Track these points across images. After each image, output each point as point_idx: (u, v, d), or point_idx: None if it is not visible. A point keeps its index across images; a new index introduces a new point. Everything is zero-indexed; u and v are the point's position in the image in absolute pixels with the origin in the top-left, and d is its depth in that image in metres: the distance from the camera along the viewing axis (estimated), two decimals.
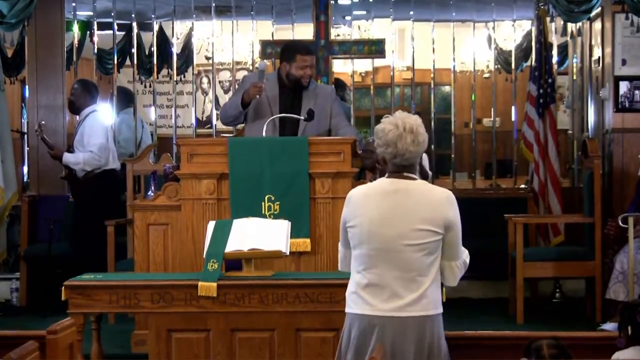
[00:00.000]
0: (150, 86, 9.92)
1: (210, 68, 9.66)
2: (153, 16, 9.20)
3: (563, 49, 9.14)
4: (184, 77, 10.15)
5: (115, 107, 8.94)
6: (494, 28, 9.26)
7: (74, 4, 8.69)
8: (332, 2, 7.67)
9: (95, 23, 8.82)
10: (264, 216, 5.31)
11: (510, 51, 9.34)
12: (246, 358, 4.63)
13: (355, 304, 3.54)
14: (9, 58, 8.63)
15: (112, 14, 8.85)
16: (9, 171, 7.64)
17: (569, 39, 8.87)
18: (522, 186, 8.53)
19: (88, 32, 9.17)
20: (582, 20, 7.64)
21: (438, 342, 3.51)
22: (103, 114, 7.67)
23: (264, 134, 5.65)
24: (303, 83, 5.92)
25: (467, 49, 9.64)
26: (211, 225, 4.86)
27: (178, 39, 9.66)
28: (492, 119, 9.08)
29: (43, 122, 7.47)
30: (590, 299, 6.87)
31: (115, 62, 8.99)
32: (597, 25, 7.74)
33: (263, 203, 5.38)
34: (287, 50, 6.04)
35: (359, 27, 11.02)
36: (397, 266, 3.46)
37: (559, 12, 7.41)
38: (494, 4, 8.82)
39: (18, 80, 9.06)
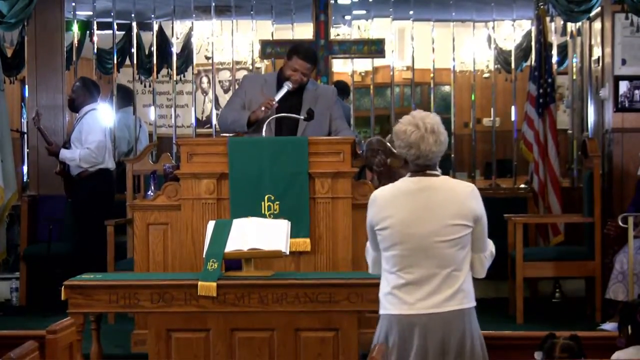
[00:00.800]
0: (150, 86, 9.92)
1: (210, 68, 9.66)
2: (153, 16, 9.20)
3: (563, 49, 9.14)
4: (184, 76, 10.15)
5: (115, 105, 8.93)
6: (493, 28, 9.26)
7: (73, 4, 8.69)
8: (332, 2, 7.68)
9: (95, 23, 8.82)
10: (264, 216, 5.31)
11: (510, 51, 9.34)
12: (246, 358, 4.63)
13: (392, 304, 3.51)
14: (9, 58, 8.63)
15: (112, 14, 8.84)
16: (8, 171, 7.64)
17: (568, 38, 8.87)
18: (522, 186, 8.52)
19: (88, 31, 9.17)
20: (581, 20, 7.64)
21: (477, 334, 3.52)
22: (102, 113, 7.67)
23: (263, 134, 5.64)
24: (291, 86, 5.86)
25: (467, 49, 9.64)
26: (211, 225, 4.86)
27: (178, 38, 9.66)
28: (492, 118, 9.08)
29: (41, 113, 7.46)
30: (590, 299, 6.88)
31: (115, 61, 8.99)
32: (597, 25, 7.74)
33: (263, 203, 5.38)
34: (291, 49, 6.01)
35: (358, 27, 11.02)
36: (433, 263, 3.46)
37: (558, 11, 7.41)
38: (493, 4, 8.82)
39: (18, 80, 9.06)
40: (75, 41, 8.86)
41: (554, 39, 8.49)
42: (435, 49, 8.87)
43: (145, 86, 10.16)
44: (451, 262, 3.47)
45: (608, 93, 7.56)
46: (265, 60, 9.46)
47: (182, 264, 5.47)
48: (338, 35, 10.48)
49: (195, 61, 9.47)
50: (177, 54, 9.42)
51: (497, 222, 7.19)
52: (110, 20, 8.91)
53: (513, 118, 8.97)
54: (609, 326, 6.07)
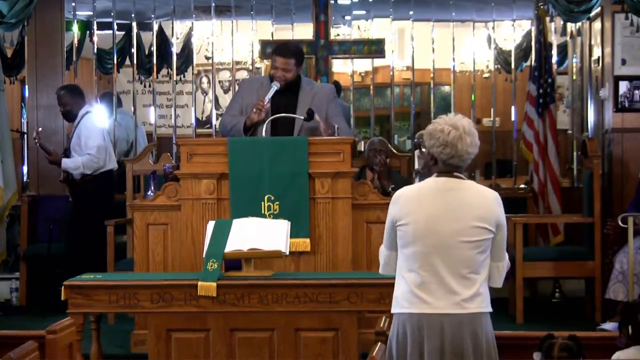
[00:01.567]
0: (150, 86, 9.92)
1: (210, 68, 9.66)
2: (153, 16, 9.20)
3: (563, 49, 9.14)
4: (184, 77, 10.15)
5: (114, 107, 8.94)
6: (493, 28, 9.25)
7: (73, 4, 8.69)
8: (332, 2, 7.68)
9: (95, 23, 8.82)
10: (264, 216, 5.31)
11: (510, 51, 9.34)
12: (246, 358, 4.63)
13: (411, 303, 3.49)
14: (9, 58, 8.62)
15: (112, 14, 8.84)
16: (8, 171, 7.64)
17: (568, 38, 8.87)
18: (522, 186, 8.52)
19: (88, 32, 9.17)
20: (581, 20, 7.63)
21: (492, 338, 3.52)
22: (97, 114, 7.65)
23: (263, 134, 5.64)
24: (277, 80, 5.84)
25: (466, 49, 9.64)
26: (211, 225, 4.86)
27: (178, 38, 9.66)
28: (491, 119, 9.08)
29: (40, 129, 7.44)
30: (589, 299, 6.88)
31: (115, 62, 8.99)
32: (597, 25, 7.74)
33: (263, 203, 5.38)
34: (272, 50, 6.03)
35: (358, 27, 11.02)
36: (452, 263, 3.46)
37: (558, 12, 7.41)
38: (493, 4, 8.82)
39: (18, 80, 9.06)
40: (75, 41, 8.86)
41: (554, 39, 8.48)
42: (435, 49, 8.87)
43: (145, 86, 10.16)
44: (470, 264, 3.47)
45: (608, 93, 7.56)
46: (265, 61, 9.44)
47: (182, 264, 5.47)
48: (338, 35, 10.48)
49: (195, 61, 9.47)
50: (177, 54, 9.42)
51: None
52: (110, 20, 8.91)
53: (513, 118, 8.96)
54: (609, 326, 6.07)
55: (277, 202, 5.37)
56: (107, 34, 9.01)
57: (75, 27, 8.86)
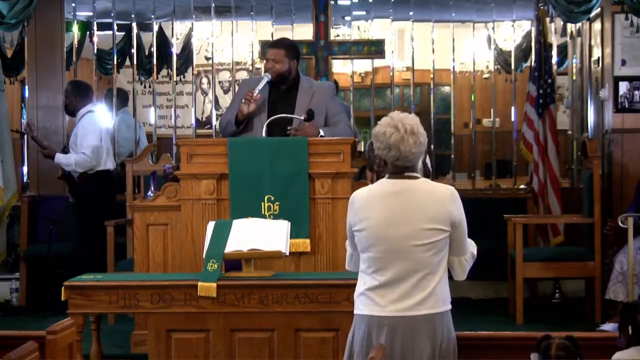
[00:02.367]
0: (149, 86, 9.93)
1: (210, 68, 9.66)
2: (153, 16, 9.20)
3: (563, 50, 9.14)
4: (184, 77, 10.16)
5: (114, 107, 8.93)
6: (493, 28, 9.26)
7: (73, 5, 8.70)
8: (332, 2, 7.68)
9: (95, 23, 8.82)
10: (264, 216, 5.31)
11: (510, 51, 9.34)
12: (246, 358, 4.63)
13: (364, 305, 3.53)
14: (9, 58, 8.63)
15: (112, 15, 8.85)
16: (8, 171, 7.64)
17: (568, 39, 8.87)
18: (522, 186, 8.52)
19: (88, 32, 9.18)
20: (581, 21, 7.63)
21: (448, 337, 3.53)
22: (99, 114, 7.66)
23: (263, 134, 5.64)
24: (268, 72, 5.86)
25: (466, 50, 9.64)
26: (211, 225, 4.86)
27: (178, 39, 9.67)
28: (491, 119, 9.09)
29: (31, 122, 7.46)
30: (589, 300, 6.88)
31: (115, 62, 8.99)
32: (597, 25, 7.74)
33: (263, 203, 5.37)
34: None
35: (358, 27, 11.03)
36: (407, 267, 3.46)
37: (558, 12, 7.41)
38: (493, 4, 8.82)
39: (18, 81, 9.06)
40: (75, 42, 8.86)
41: (554, 40, 8.49)
42: (435, 49, 8.87)
43: (145, 87, 10.17)
44: (425, 265, 3.47)
45: (608, 94, 7.57)
46: (265, 61, 9.43)
47: (182, 265, 5.47)
48: (338, 35, 10.49)
49: (195, 62, 9.48)
50: (177, 55, 9.42)
51: (497, 222, 7.21)
52: (110, 20, 8.91)
53: (513, 118, 8.97)
54: (609, 327, 6.07)
55: (277, 203, 5.37)
56: (107, 34, 9.02)
57: (75, 28, 8.87)
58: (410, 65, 9.06)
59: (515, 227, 6.76)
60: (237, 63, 9.74)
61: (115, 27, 8.92)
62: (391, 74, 9.08)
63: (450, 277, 3.64)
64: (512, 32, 9.22)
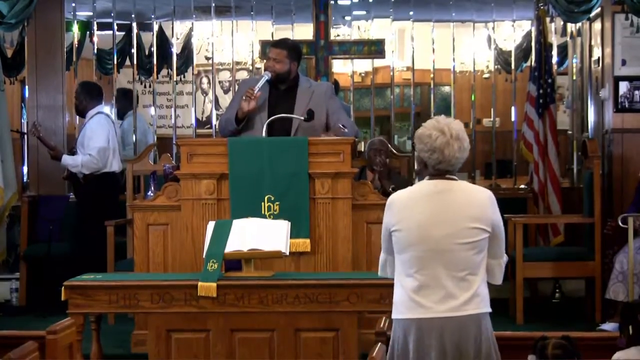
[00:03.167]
0: (150, 86, 9.93)
1: (210, 68, 9.67)
2: (153, 16, 9.20)
3: (563, 49, 9.14)
4: (184, 77, 10.15)
5: (119, 108, 8.93)
6: (493, 28, 9.26)
7: (73, 4, 8.70)
8: (332, 2, 7.68)
9: (95, 23, 8.82)
10: (264, 216, 5.31)
11: (510, 51, 9.35)
12: (246, 358, 4.63)
13: (409, 309, 3.48)
14: (9, 58, 8.63)
15: (112, 14, 8.85)
16: (8, 171, 7.63)
17: (568, 39, 8.87)
18: (522, 186, 8.53)
19: (88, 32, 9.17)
20: (581, 21, 7.63)
21: (493, 339, 3.52)
22: (108, 116, 7.66)
23: (263, 134, 5.64)
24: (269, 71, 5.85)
25: (466, 49, 9.64)
26: (211, 225, 4.86)
27: (178, 39, 9.66)
28: (492, 119, 9.09)
29: (37, 122, 7.47)
30: (589, 299, 6.87)
31: (115, 62, 9.00)
32: (597, 25, 7.74)
33: (263, 203, 5.37)
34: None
35: (358, 27, 11.02)
36: (448, 266, 3.45)
37: (558, 12, 7.41)
38: (493, 4, 8.83)
39: (18, 81, 9.06)
40: (76, 42, 8.86)
41: (554, 40, 8.49)
42: (435, 49, 8.87)
43: (145, 87, 10.16)
44: (467, 265, 3.46)
45: (608, 93, 7.56)
46: (265, 61, 9.43)
47: (182, 265, 5.47)
48: (338, 35, 10.48)
49: (195, 61, 9.48)
50: (177, 55, 9.42)
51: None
52: (110, 20, 8.92)
53: (513, 118, 8.97)
54: (609, 326, 6.07)
55: (277, 203, 5.37)
56: (107, 34, 9.02)
57: (75, 28, 8.86)
58: (411, 65, 9.07)
59: (515, 227, 6.75)
60: (237, 63, 9.74)
61: (116, 27, 8.92)
62: (391, 73, 9.08)
63: None
64: (512, 32, 9.22)
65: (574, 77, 8.65)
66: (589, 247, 6.82)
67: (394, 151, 7.46)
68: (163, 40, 9.76)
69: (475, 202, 3.52)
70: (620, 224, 6.24)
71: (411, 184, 5.78)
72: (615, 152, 7.49)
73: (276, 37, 8.48)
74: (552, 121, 7.46)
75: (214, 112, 9.59)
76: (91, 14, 8.88)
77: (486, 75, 10.90)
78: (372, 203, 5.51)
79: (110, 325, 6.49)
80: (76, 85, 7.68)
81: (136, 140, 8.74)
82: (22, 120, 9.46)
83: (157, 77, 9.67)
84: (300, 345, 4.64)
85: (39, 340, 3.69)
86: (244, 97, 5.74)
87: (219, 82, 11.14)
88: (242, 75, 10.24)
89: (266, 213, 5.36)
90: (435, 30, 8.85)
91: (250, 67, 9.53)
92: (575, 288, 7.52)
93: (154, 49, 9.46)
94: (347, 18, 10.60)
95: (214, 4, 9.00)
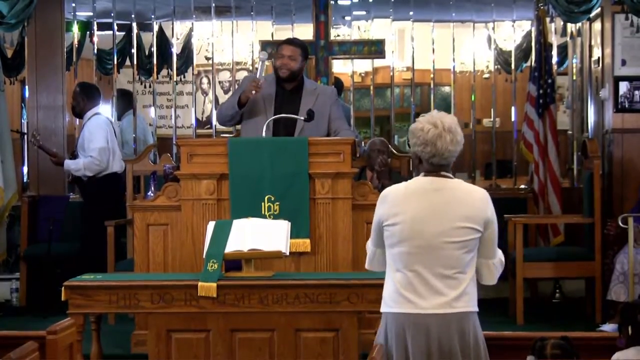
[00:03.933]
0: (150, 86, 9.93)
1: (210, 68, 9.67)
2: (153, 16, 9.20)
3: (563, 50, 9.14)
4: (184, 77, 10.15)
5: (118, 109, 8.93)
6: (493, 28, 9.26)
7: (73, 5, 8.69)
8: (332, 2, 7.67)
9: (95, 23, 8.82)
10: (264, 217, 5.31)
11: (510, 51, 9.34)
12: (246, 358, 4.63)
13: (397, 303, 3.50)
14: (9, 58, 8.62)
15: (112, 15, 8.85)
16: (8, 171, 7.64)
17: (568, 39, 8.87)
18: (522, 186, 8.52)
19: (88, 32, 9.17)
20: (581, 21, 7.64)
21: (479, 337, 3.53)
22: (106, 116, 7.66)
23: (263, 134, 5.64)
24: (280, 74, 5.86)
25: (466, 50, 9.64)
26: (211, 225, 4.86)
27: (178, 39, 9.66)
28: (492, 119, 9.09)
29: (36, 132, 7.47)
30: (590, 300, 6.88)
31: (115, 62, 8.99)
32: (597, 25, 7.74)
33: (263, 203, 5.38)
34: (280, 43, 6.10)
35: (358, 27, 11.02)
36: (438, 263, 3.46)
37: (558, 12, 7.41)
38: (493, 4, 8.82)
39: (18, 81, 9.06)
40: (76, 42, 8.86)
41: (554, 40, 8.49)
42: (435, 49, 8.87)
43: (145, 87, 10.16)
44: (457, 264, 3.47)
45: (608, 94, 7.57)
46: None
47: (182, 265, 5.47)
48: (338, 35, 10.48)
49: (195, 62, 9.48)
50: (177, 55, 9.42)
51: (497, 222, 7.19)
52: (110, 20, 8.91)
53: (513, 119, 8.96)
54: (608, 327, 6.07)
55: (277, 203, 5.37)
56: (107, 34, 9.02)
57: (75, 28, 8.86)
58: (411, 65, 9.06)
59: (515, 227, 6.76)
60: (237, 63, 9.73)
61: (116, 27, 8.92)
62: (391, 74, 9.08)
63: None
64: (512, 32, 9.22)
65: (574, 77, 8.65)
66: (589, 248, 6.82)
67: (394, 151, 7.47)
68: (163, 41, 9.76)
69: (469, 201, 3.53)
70: (620, 224, 6.24)
71: None
72: (615, 152, 7.49)
73: (276, 38, 8.49)
74: (552, 121, 7.46)
75: (214, 113, 9.58)
76: (91, 14, 8.88)
77: (486, 76, 10.90)
78: (372, 203, 5.42)
79: (111, 325, 6.50)
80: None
81: (136, 139, 8.74)
82: (22, 121, 9.46)
83: (157, 77, 9.67)
84: (301, 346, 4.64)
85: (39, 341, 3.69)
86: (253, 91, 5.76)
87: (219, 82, 11.13)
88: (242, 75, 10.23)
89: (266, 213, 5.36)
90: (435, 30, 8.85)
91: (250, 67, 9.53)
92: (575, 288, 7.52)
93: (154, 49, 9.46)
94: (347, 18, 10.59)
95: (214, 4, 9.00)
